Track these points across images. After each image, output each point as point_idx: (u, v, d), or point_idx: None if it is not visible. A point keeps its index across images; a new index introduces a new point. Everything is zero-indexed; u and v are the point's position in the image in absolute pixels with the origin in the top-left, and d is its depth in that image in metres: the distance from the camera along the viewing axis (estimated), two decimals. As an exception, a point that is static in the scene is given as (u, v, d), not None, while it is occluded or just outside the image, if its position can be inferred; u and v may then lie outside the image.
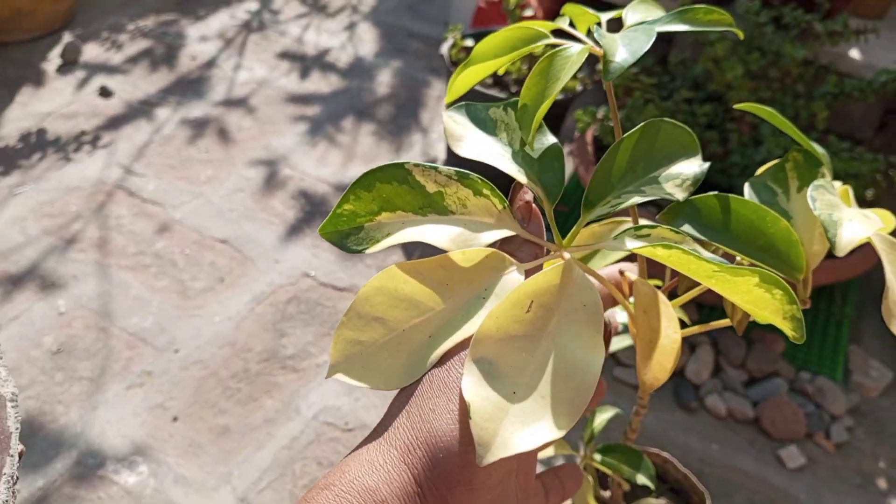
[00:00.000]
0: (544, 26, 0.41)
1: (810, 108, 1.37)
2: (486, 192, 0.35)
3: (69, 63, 1.97)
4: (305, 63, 2.07)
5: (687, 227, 0.35)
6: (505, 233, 0.35)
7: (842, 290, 1.50)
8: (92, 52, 2.03)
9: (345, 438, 1.19)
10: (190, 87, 1.93)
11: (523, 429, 0.29)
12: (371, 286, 0.33)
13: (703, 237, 0.35)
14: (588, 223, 0.37)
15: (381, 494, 0.30)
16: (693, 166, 0.37)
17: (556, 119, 1.59)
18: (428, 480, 0.31)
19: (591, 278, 0.36)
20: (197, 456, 1.15)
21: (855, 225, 0.37)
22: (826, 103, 1.37)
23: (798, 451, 1.22)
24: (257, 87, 1.95)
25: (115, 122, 1.79)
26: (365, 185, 0.34)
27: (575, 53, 0.37)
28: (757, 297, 0.31)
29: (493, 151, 0.37)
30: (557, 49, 0.38)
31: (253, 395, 1.24)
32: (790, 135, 0.40)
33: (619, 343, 0.73)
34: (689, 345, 1.34)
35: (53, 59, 1.98)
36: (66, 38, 2.07)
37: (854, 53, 1.51)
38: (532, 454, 0.40)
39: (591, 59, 1.66)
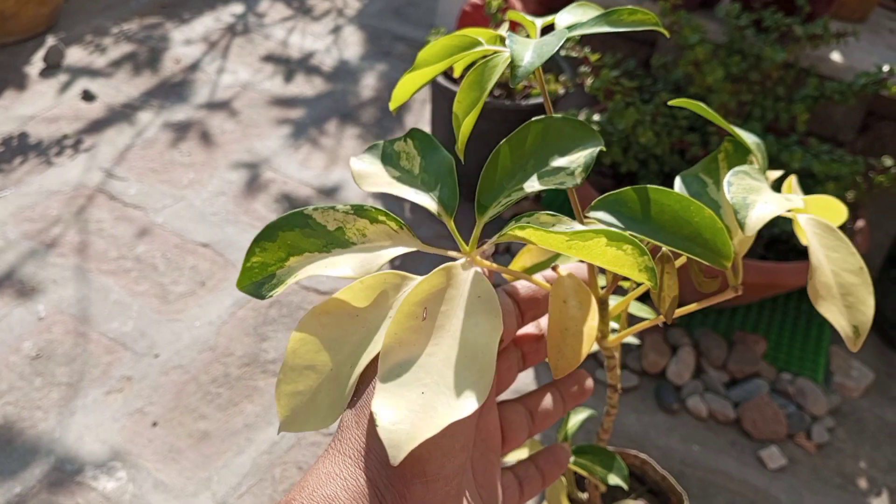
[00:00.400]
0: (483, 35, 0.41)
1: (791, 110, 1.38)
2: (381, 218, 0.37)
3: (52, 66, 1.96)
4: (290, 66, 2.07)
5: (609, 219, 0.36)
6: (401, 250, 0.37)
7: (823, 291, 1.50)
8: (75, 55, 2.02)
9: (325, 442, 1.18)
10: (173, 90, 1.93)
11: (428, 417, 0.30)
12: (295, 340, 0.35)
13: (626, 229, 0.35)
14: (484, 225, 0.39)
15: (340, 500, 0.31)
16: (585, 153, 0.38)
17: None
18: (384, 479, 0.32)
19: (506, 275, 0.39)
20: (176, 461, 1.14)
21: (767, 205, 0.37)
22: (806, 106, 1.37)
23: (779, 452, 1.22)
24: (241, 90, 1.95)
25: (97, 126, 1.78)
26: (267, 236, 0.36)
27: (501, 61, 0.38)
28: (612, 256, 0.33)
29: (394, 181, 0.39)
30: (487, 58, 0.39)
31: (233, 399, 1.23)
32: (720, 125, 0.40)
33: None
34: (670, 346, 1.35)
35: (36, 63, 1.97)
36: (50, 41, 2.06)
37: (835, 56, 1.52)
38: (488, 452, 0.40)
39: (576, 62, 1.66)
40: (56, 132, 1.75)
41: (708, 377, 1.31)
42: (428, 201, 0.39)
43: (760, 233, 1.36)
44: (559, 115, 0.39)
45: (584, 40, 1.68)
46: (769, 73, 1.38)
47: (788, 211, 0.40)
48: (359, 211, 0.37)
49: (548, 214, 0.35)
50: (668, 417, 1.27)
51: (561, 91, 1.56)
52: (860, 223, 1.36)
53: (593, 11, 0.43)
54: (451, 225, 0.38)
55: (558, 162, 0.38)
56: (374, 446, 0.32)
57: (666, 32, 0.41)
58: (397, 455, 0.29)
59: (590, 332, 0.39)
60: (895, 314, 1.41)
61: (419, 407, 0.31)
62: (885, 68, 1.31)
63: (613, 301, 0.48)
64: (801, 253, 1.31)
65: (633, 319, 0.68)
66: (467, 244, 0.39)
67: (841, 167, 1.31)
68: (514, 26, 1.52)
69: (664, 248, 0.40)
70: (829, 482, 1.20)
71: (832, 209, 0.48)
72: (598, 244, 0.33)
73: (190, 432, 1.18)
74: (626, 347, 1.35)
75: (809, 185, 1.38)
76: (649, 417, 1.27)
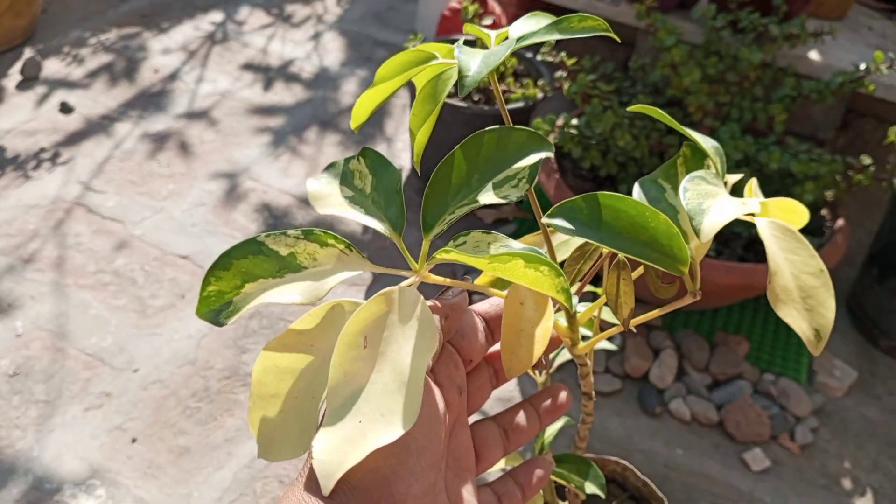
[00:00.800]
0: (440, 49, 0.41)
1: (768, 110, 1.38)
2: (330, 241, 0.38)
3: (29, 79, 1.95)
4: (269, 74, 2.06)
5: (565, 225, 0.36)
6: (346, 274, 0.38)
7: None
8: (53, 67, 2.01)
9: (306, 456, 1.17)
10: (151, 100, 1.92)
11: (358, 445, 0.31)
12: (258, 370, 0.37)
13: (581, 236, 0.35)
14: (430, 243, 0.39)
15: None
16: (528, 164, 0.38)
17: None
18: (352, 502, 0.32)
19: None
20: (156, 477, 1.13)
21: (723, 210, 0.36)
22: (784, 106, 1.37)
23: (763, 454, 1.22)
24: (220, 98, 1.94)
25: (74, 138, 1.77)
26: (222, 265, 0.37)
27: (454, 73, 0.38)
28: (532, 277, 0.34)
29: (345, 202, 0.40)
30: (440, 72, 0.39)
31: (213, 413, 1.22)
32: (678, 130, 0.40)
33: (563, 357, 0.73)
34: (652, 349, 1.34)
35: (13, 75, 1.96)
36: (27, 53, 2.05)
37: (813, 55, 1.52)
38: (462, 472, 0.40)
39: (554, 66, 1.66)
40: (33, 145, 1.74)
41: (690, 380, 1.31)
42: (376, 224, 0.39)
43: (740, 234, 1.35)
44: (499, 127, 0.39)
45: (563, 43, 1.67)
46: (746, 73, 1.38)
47: (748, 215, 0.40)
48: (308, 235, 0.38)
49: (483, 233, 0.36)
50: (651, 421, 1.26)
51: (539, 95, 1.56)
52: (840, 222, 1.36)
53: (545, 20, 0.43)
54: (400, 244, 0.38)
55: (504, 174, 0.38)
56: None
57: (616, 37, 0.41)
58: (327, 484, 0.30)
59: (544, 333, 0.40)
60: (877, 312, 1.41)
61: (353, 436, 0.31)
62: (862, 66, 1.31)
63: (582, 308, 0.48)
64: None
65: (606, 326, 0.68)
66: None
67: (819, 166, 1.31)
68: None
69: (620, 255, 0.40)
70: (814, 483, 1.20)
71: (793, 212, 0.48)
72: (517, 265, 0.34)
73: (170, 448, 1.17)
74: (608, 352, 1.34)
75: (788, 185, 1.38)
76: (632, 421, 1.26)
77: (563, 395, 0.46)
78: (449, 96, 1.54)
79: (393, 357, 0.34)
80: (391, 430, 0.31)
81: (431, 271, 0.39)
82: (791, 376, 1.33)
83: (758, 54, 1.34)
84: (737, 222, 1.34)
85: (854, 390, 1.35)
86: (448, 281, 0.39)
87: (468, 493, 0.39)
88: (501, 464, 0.64)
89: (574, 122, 1.39)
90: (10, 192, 1.60)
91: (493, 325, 0.41)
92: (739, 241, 1.35)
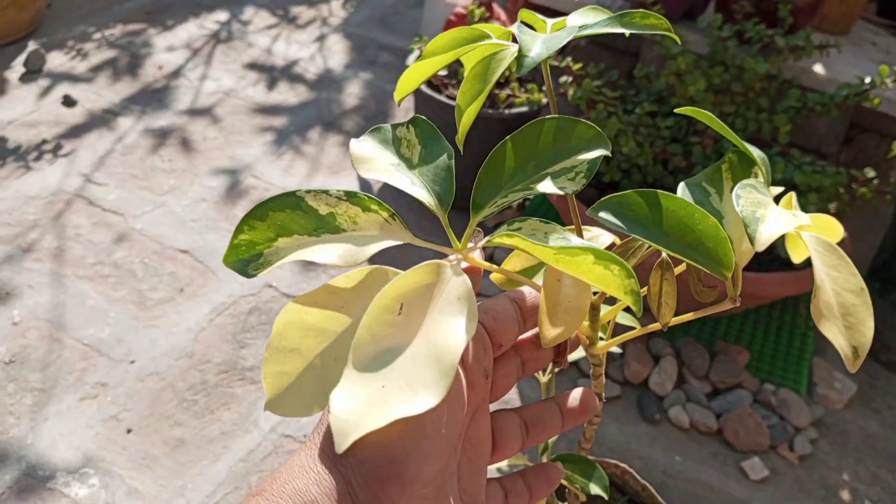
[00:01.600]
0: (493, 30, 0.41)
1: (773, 121, 1.38)
2: (373, 207, 0.37)
3: (33, 71, 1.94)
4: (273, 74, 2.06)
5: (612, 220, 0.35)
6: (389, 242, 0.36)
7: (806, 302, 1.50)
8: (56, 60, 2.00)
9: (303, 451, 1.17)
10: (154, 96, 1.91)
11: (379, 410, 0.30)
12: (280, 323, 0.35)
13: (628, 231, 0.35)
14: (479, 224, 0.38)
15: (311, 495, 0.30)
16: (589, 157, 0.37)
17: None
18: (358, 478, 0.31)
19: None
20: (151, 469, 1.12)
21: (778, 220, 0.36)
22: (789, 117, 1.37)
23: (761, 463, 1.22)
24: (224, 96, 1.93)
25: (77, 131, 1.76)
26: (257, 215, 0.36)
27: (508, 55, 0.38)
28: (599, 274, 0.33)
29: (392, 169, 0.39)
30: (494, 52, 0.39)
31: (210, 407, 1.21)
32: (728, 138, 0.40)
33: (576, 354, 0.72)
34: (652, 356, 1.34)
35: (17, 68, 1.95)
36: (31, 46, 2.04)
37: (818, 68, 1.53)
38: (476, 459, 0.39)
39: (557, 72, 1.66)
40: (35, 137, 1.73)
41: (690, 387, 1.30)
42: (423, 195, 0.38)
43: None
44: (566, 117, 0.38)
45: (568, 49, 1.68)
46: (751, 84, 1.38)
47: (797, 229, 0.40)
48: (351, 198, 0.37)
49: (541, 221, 0.35)
50: (650, 428, 1.26)
51: (544, 100, 1.56)
52: (842, 235, 1.36)
53: (603, 14, 0.43)
54: (444, 220, 0.37)
55: (563, 164, 0.37)
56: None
57: (677, 38, 0.41)
58: (342, 442, 0.29)
59: (583, 308, 0.38)
60: (878, 326, 1.41)
61: (375, 400, 0.30)
62: (868, 80, 1.31)
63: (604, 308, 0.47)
64: (784, 263, 1.31)
65: (618, 329, 0.67)
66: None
67: (823, 178, 1.31)
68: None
69: (664, 254, 0.39)
70: (812, 494, 1.20)
71: (830, 228, 0.48)
72: (585, 261, 0.33)
73: (165, 440, 1.16)
74: (608, 357, 1.34)
75: (792, 196, 1.38)
76: (631, 427, 1.26)
77: (592, 399, 0.44)
78: (449, 97, 1.54)
79: (429, 330, 0.33)
80: (417, 403, 0.30)
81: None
82: (791, 387, 1.33)
83: (763, 65, 1.34)
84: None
85: (854, 403, 1.35)
86: (487, 265, 0.38)
87: (479, 481, 0.39)
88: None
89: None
90: (10, 183, 1.60)
91: (525, 312, 0.40)
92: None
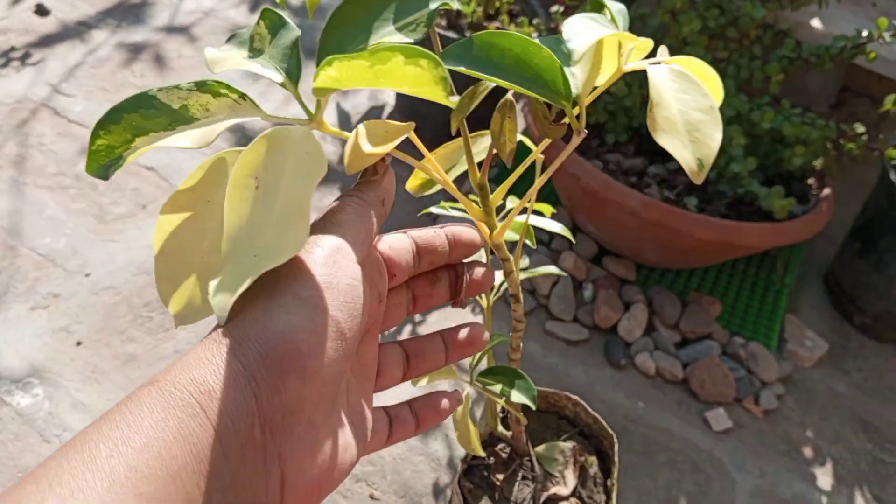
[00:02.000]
0: None
1: (765, 70, 1.34)
2: (223, 91, 0.37)
3: (6, -22, 1.87)
4: (257, -2, 1.99)
5: (457, 65, 0.36)
6: (236, 120, 0.36)
7: (784, 260, 1.47)
8: (31, -32, 1.92)
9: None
10: (131, 11, 1.84)
11: (248, 272, 0.31)
12: (157, 238, 0.36)
13: (472, 72, 0.36)
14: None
15: (208, 385, 0.29)
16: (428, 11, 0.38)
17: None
18: (260, 369, 0.30)
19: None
20: (98, 382, 1.09)
21: (593, 31, 0.38)
22: (782, 66, 1.33)
23: (725, 415, 1.20)
24: (203, 16, 1.86)
25: (48, 41, 1.70)
26: (112, 118, 0.35)
27: None
28: (413, 76, 0.33)
29: (244, 61, 0.40)
30: None
31: (165, 324, 1.17)
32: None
33: (544, 269, 0.69)
34: (623, 302, 1.31)
35: (-11, -27, 1.88)
36: (6, -48, 1.96)
37: (815, 23, 1.48)
38: (364, 381, 0.39)
39: (548, 3, 1.61)
40: (4, 43, 1.66)
41: (659, 335, 1.28)
42: (273, 74, 0.39)
43: (724, 192, 1.32)
44: None
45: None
46: (747, 30, 1.34)
47: (652, 63, 0.40)
48: (202, 87, 0.37)
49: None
50: (615, 372, 1.23)
51: (535, 35, 1.51)
52: (826, 191, 1.33)
53: None
54: (295, 92, 0.38)
55: (403, 21, 0.38)
56: (253, 335, 0.31)
57: None
58: (222, 315, 0.30)
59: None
60: (855, 287, 1.38)
61: (248, 270, 0.31)
62: (865, 33, 1.27)
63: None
64: (764, 215, 1.28)
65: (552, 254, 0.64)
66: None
67: (812, 131, 1.27)
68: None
69: (508, 96, 0.42)
70: (774, 448, 1.18)
71: (707, 78, 0.44)
72: (397, 65, 0.33)
73: (116, 354, 1.12)
74: (578, 302, 1.31)
75: (778, 149, 1.34)
76: (596, 371, 1.23)
77: (480, 331, 0.45)
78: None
79: (284, 192, 0.33)
80: (282, 255, 0.31)
81: None
82: (761, 341, 1.31)
83: (760, 11, 1.30)
84: (723, 181, 1.30)
85: (824, 363, 1.33)
86: (338, 132, 0.39)
87: (365, 402, 0.39)
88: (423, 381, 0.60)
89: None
90: (-27, 87, 1.53)
91: (422, 251, 0.42)
92: (723, 200, 1.32)
